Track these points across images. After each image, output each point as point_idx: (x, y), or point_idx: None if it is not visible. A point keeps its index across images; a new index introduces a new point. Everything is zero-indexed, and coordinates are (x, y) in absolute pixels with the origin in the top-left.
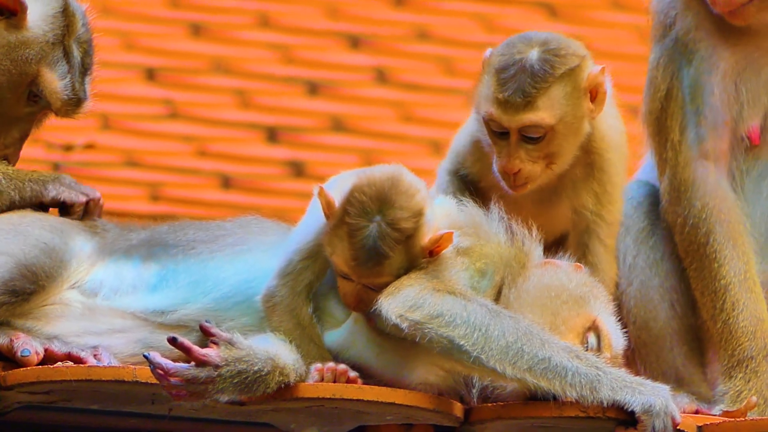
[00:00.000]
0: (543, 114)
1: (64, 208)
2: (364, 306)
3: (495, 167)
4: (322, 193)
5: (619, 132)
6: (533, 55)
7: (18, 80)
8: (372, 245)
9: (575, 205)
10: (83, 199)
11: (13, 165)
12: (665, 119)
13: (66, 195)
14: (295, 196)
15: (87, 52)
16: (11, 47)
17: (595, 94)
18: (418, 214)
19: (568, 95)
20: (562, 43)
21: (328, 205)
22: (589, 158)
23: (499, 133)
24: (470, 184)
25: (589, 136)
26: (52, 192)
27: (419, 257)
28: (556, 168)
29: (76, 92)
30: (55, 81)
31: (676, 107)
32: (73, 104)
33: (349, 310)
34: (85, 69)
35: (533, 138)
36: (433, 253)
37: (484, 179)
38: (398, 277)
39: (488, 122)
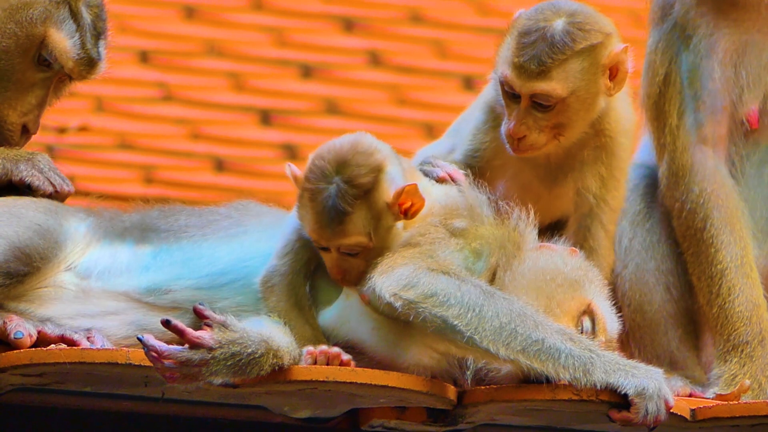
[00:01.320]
0: (555, 85)
1: (30, 191)
2: (350, 277)
3: (502, 128)
4: (289, 170)
5: (631, 120)
6: (558, 24)
7: (26, 43)
8: (332, 205)
9: (579, 187)
10: (49, 189)
11: (34, 132)
12: (663, 104)
13: (34, 179)
14: (288, 179)
15: (99, 16)
16: (14, 9)
17: (615, 72)
18: (377, 170)
19: (585, 70)
20: (589, 17)
21: (295, 180)
22: (600, 140)
23: (512, 95)
24: (481, 168)
25: (604, 118)
26: (23, 172)
27: (387, 216)
28: (564, 140)
29: (87, 51)
30: (63, 40)
31: (674, 92)
32: (85, 64)
33: (338, 284)
34: (98, 32)
35: (544, 106)
36: (408, 213)
37: (498, 155)
38: (369, 236)
39: (503, 84)
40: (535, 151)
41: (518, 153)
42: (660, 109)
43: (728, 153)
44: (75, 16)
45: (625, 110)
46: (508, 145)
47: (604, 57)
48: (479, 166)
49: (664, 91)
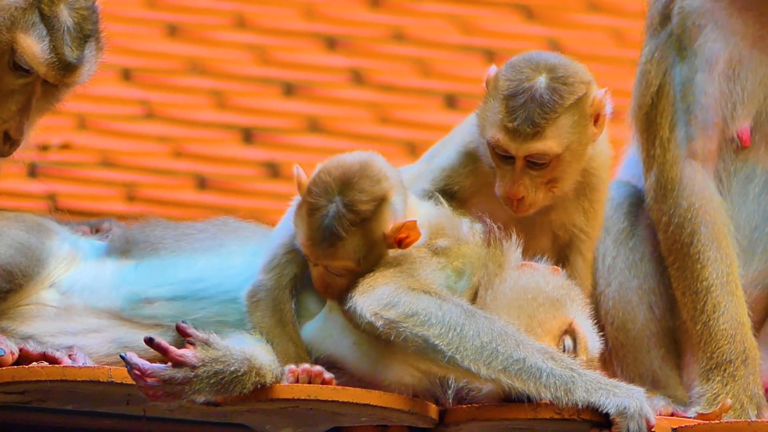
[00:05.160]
0: (551, 143)
1: None
2: (332, 291)
3: (497, 191)
4: (296, 171)
5: (610, 153)
6: (541, 82)
7: None
8: (327, 225)
9: (564, 222)
10: None
11: (18, 139)
12: (655, 115)
13: None
14: (270, 197)
15: (86, 18)
16: None
17: (597, 118)
18: (379, 200)
19: (576, 123)
20: (569, 69)
21: (299, 185)
22: (584, 178)
23: (503, 157)
24: (458, 202)
25: (589, 158)
26: None
27: (381, 245)
28: (558, 191)
29: (61, 55)
30: (32, 45)
31: (666, 104)
32: (59, 68)
33: (321, 294)
34: (85, 35)
35: (539, 164)
36: (402, 244)
37: (476, 194)
38: (358, 262)
39: (494, 147)
40: (535, 209)
41: (519, 213)
42: (651, 120)
43: (716, 169)
44: (47, 19)
45: (604, 145)
46: (507, 207)
47: (589, 106)
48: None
49: (657, 102)
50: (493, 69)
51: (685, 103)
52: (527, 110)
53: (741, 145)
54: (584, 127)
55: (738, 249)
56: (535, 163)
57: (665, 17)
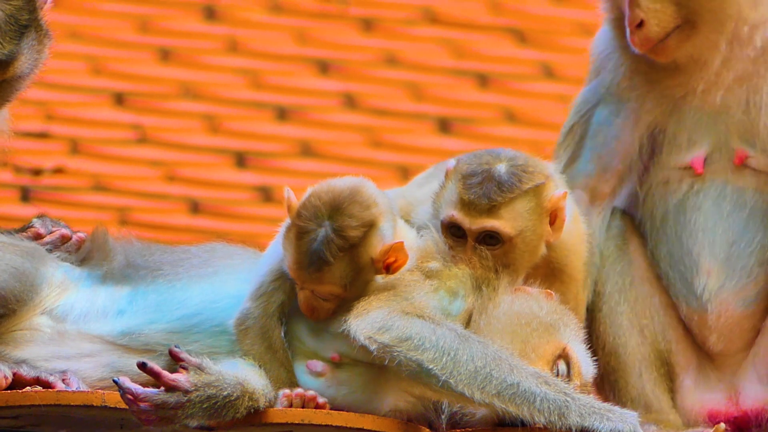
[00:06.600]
0: (505, 223)
1: None
2: (318, 314)
3: None
4: (287, 194)
5: (576, 234)
6: (501, 167)
7: None
8: (315, 250)
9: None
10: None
11: None
12: (560, 149)
13: None
14: (263, 221)
15: (21, 8)
16: None
17: (554, 218)
18: (368, 225)
19: (531, 211)
20: (529, 160)
21: (289, 208)
22: (551, 264)
23: (457, 238)
24: None
25: (551, 248)
26: None
27: (369, 271)
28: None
29: None
30: None
31: (574, 140)
32: None
33: (307, 317)
34: (21, 25)
35: (490, 245)
36: (390, 269)
37: None
38: (344, 288)
39: (448, 226)
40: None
41: None
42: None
43: (688, 187)
44: None
45: (567, 232)
46: None
47: (546, 199)
48: None
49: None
50: (452, 162)
51: (594, 141)
52: (485, 187)
53: (695, 173)
54: (540, 217)
55: (715, 265)
56: (486, 244)
57: (600, 68)
